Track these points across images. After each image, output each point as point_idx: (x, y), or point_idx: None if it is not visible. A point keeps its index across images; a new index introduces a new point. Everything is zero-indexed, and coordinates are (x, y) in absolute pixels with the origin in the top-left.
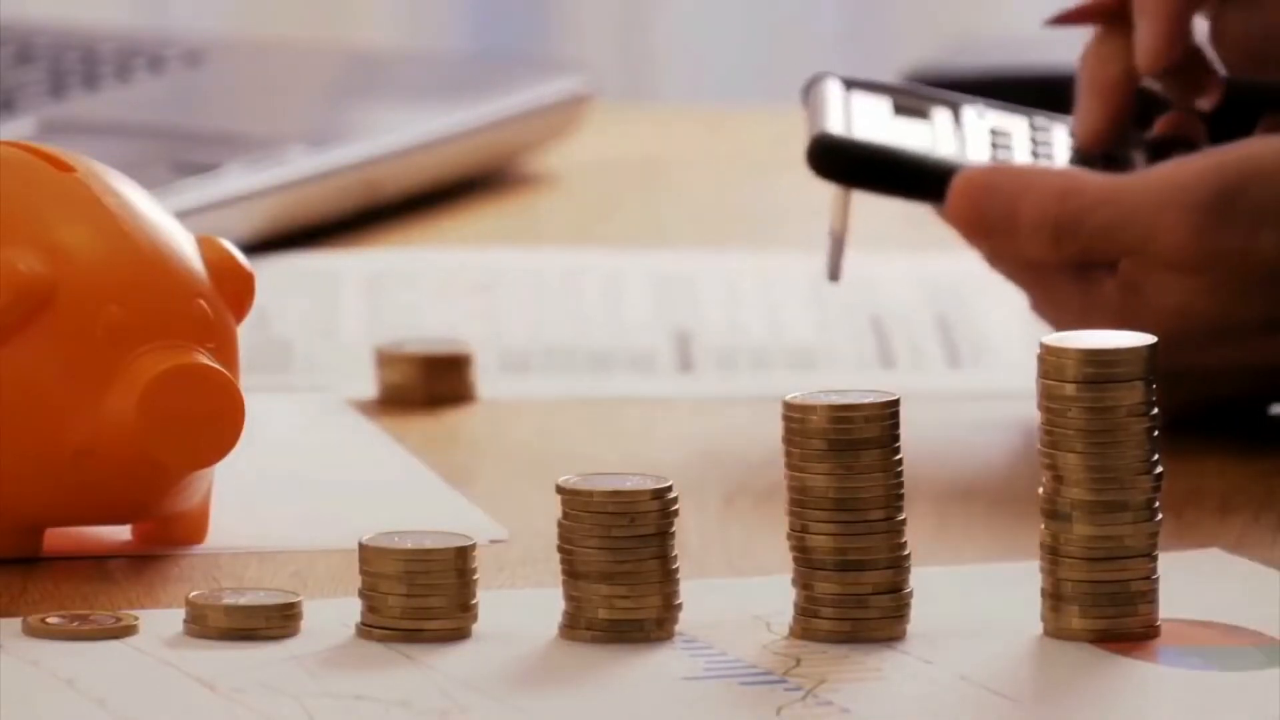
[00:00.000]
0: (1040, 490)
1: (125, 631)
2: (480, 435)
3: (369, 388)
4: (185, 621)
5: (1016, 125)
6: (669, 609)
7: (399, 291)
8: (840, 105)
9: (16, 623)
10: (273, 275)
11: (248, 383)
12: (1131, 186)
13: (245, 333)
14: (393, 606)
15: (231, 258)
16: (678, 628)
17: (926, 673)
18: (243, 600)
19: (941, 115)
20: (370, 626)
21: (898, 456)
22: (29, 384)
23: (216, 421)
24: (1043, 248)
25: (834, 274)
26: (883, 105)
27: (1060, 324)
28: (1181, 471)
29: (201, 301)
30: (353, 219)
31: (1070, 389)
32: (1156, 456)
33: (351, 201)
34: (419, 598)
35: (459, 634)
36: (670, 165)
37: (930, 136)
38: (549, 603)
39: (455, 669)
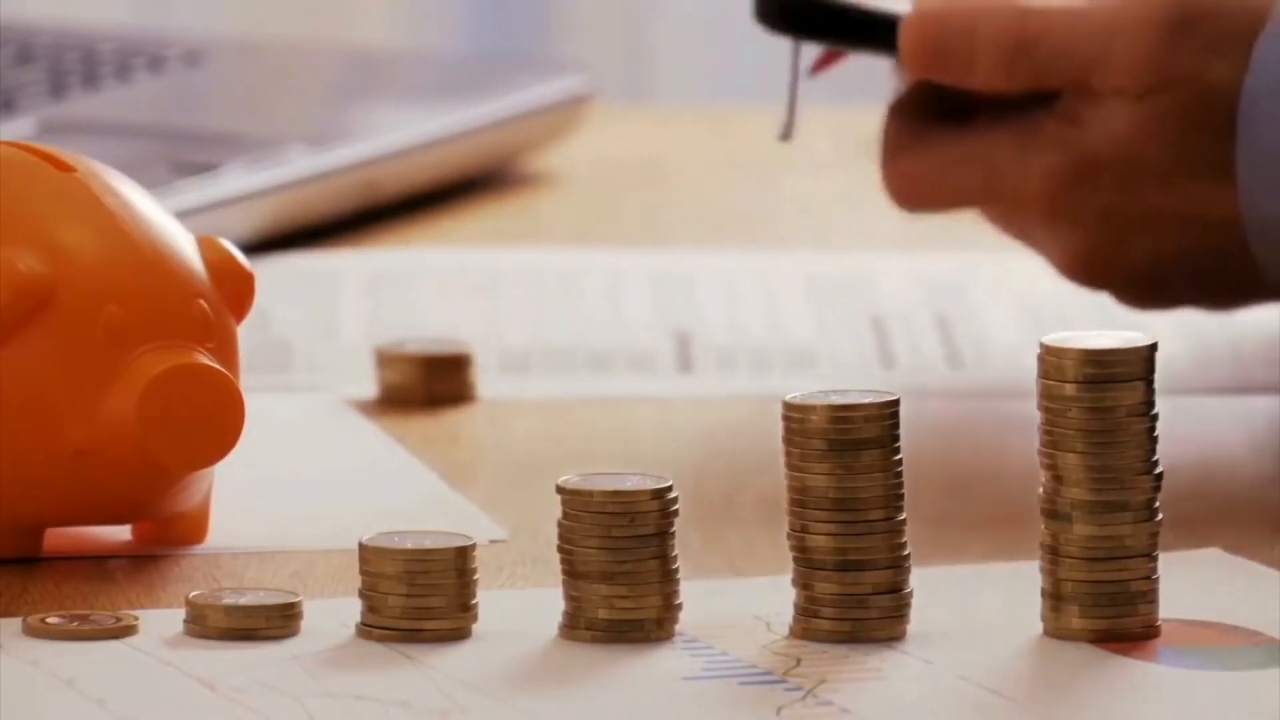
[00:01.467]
0: (1040, 490)
1: (125, 631)
2: (480, 435)
3: (369, 388)
4: (185, 621)
5: None
6: (669, 609)
7: (399, 291)
8: None
9: (16, 623)
10: (273, 275)
11: (248, 383)
12: (1089, 7)
13: (245, 333)
14: (393, 606)
15: (231, 258)
16: (678, 628)
17: (926, 673)
18: (243, 600)
19: None
20: (370, 626)
21: (898, 456)
22: (29, 384)
23: (216, 421)
24: (997, 75)
25: (785, 134)
26: None
27: (1002, 192)
28: (1181, 471)
29: (201, 301)
30: (353, 219)
31: (1070, 389)
32: (1156, 456)
33: (351, 201)
34: (419, 598)
35: (459, 634)
36: (670, 165)
37: None
38: (549, 603)
39: (455, 669)
